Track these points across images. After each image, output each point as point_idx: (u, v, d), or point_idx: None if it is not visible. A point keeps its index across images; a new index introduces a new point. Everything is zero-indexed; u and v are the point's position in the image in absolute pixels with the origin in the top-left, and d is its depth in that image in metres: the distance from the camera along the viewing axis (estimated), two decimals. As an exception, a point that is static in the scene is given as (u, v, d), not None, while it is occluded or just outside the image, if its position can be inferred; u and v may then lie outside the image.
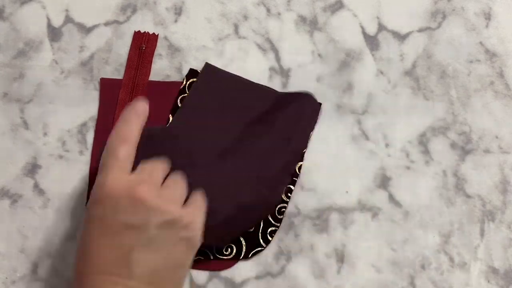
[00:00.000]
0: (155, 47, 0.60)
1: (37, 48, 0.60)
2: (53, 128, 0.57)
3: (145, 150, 0.44)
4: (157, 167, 0.42)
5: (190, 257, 0.41)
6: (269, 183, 0.52)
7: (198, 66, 0.60)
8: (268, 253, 0.53)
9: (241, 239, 0.52)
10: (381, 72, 0.60)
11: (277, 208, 0.53)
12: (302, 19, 0.63)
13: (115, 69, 0.59)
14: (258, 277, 0.52)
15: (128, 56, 0.60)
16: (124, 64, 0.60)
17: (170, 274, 0.38)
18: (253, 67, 0.60)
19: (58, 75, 0.59)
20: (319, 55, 0.61)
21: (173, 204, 0.40)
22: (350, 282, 0.51)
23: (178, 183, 0.43)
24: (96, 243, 0.37)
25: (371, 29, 0.62)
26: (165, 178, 0.43)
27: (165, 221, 0.38)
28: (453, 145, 0.57)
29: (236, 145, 0.54)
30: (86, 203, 0.53)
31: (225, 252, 0.52)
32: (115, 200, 0.38)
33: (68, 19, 0.62)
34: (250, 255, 0.52)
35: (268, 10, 0.63)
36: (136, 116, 0.43)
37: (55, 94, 0.58)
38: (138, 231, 0.37)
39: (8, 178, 0.55)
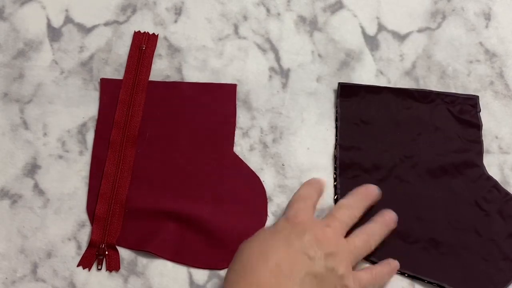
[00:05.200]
0: (155, 47, 0.60)
1: (37, 48, 0.60)
2: (53, 128, 0.57)
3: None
4: (344, 218, 0.48)
5: None
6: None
7: (198, 66, 0.60)
8: (268, 253, 0.53)
9: None
10: (381, 72, 0.60)
11: None
12: (302, 19, 0.63)
13: (115, 69, 0.59)
14: (258, 277, 0.52)
15: (128, 56, 0.60)
16: (124, 64, 0.60)
17: None
18: (253, 67, 0.60)
19: (58, 75, 0.59)
20: (319, 55, 0.61)
21: (345, 260, 0.45)
22: (350, 282, 0.51)
23: (363, 240, 0.47)
24: (276, 249, 0.43)
25: (371, 29, 0.62)
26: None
27: (331, 268, 0.43)
28: (453, 145, 0.57)
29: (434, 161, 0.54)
30: (88, 205, 0.53)
31: None
32: (303, 231, 0.45)
33: (68, 19, 0.62)
34: None
35: (268, 10, 0.63)
36: (365, 195, 0.51)
37: (55, 94, 0.58)
38: (310, 261, 0.43)
39: (8, 178, 0.55)
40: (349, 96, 0.57)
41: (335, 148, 0.56)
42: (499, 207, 0.53)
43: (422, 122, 0.56)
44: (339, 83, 0.58)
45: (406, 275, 0.51)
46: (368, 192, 0.51)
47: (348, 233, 0.48)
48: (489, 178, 0.54)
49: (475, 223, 0.52)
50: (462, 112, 0.57)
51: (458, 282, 0.50)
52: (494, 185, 0.54)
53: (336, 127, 0.57)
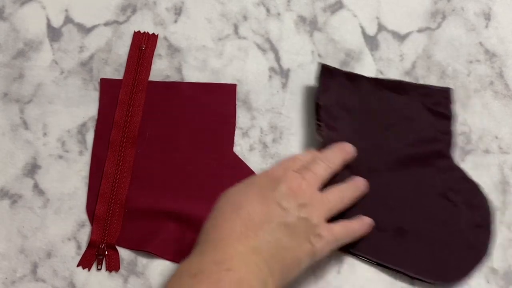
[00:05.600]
0: (155, 47, 0.60)
1: (37, 48, 0.60)
2: (53, 128, 0.57)
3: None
4: (320, 171, 0.48)
5: (306, 261, 0.45)
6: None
7: (198, 66, 0.60)
8: (268, 253, 0.53)
9: None
10: (381, 72, 0.60)
11: None
12: (302, 19, 0.63)
13: (115, 69, 0.59)
14: (258, 277, 0.52)
15: (128, 56, 0.60)
16: (124, 64, 0.60)
17: (284, 263, 0.43)
18: (253, 67, 0.60)
19: (58, 75, 0.59)
20: (319, 55, 0.61)
21: (318, 211, 0.45)
22: (350, 282, 0.51)
23: (337, 195, 0.48)
24: (250, 200, 0.44)
25: (371, 29, 0.62)
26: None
27: (304, 218, 0.44)
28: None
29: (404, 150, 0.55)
30: (87, 205, 0.54)
31: None
32: (278, 182, 0.45)
33: (68, 19, 0.62)
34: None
35: (268, 10, 0.63)
36: (342, 150, 0.52)
37: (55, 94, 0.58)
38: (283, 212, 0.43)
39: (8, 178, 0.55)
40: (328, 78, 0.57)
41: (318, 126, 0.54)
42: (466, 197, 0.53)
43: (395, 113, 0.57)
44: (320, 63, 0.57)
45: (373, 262, 0.51)
46: (344, 148, 0.52)
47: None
48: (458, 169, 0.55)
49: (442, 213, 0.53)
50: (435, 104, 0.57)
51: (424, 271, 0.50)
52: (463, 176, 0.54)
53: (317, 104, 0.55)
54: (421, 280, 0.50)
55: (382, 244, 0.51)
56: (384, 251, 0.51)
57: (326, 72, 0.57)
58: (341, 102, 0.56)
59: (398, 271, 0.51)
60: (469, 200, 0.53)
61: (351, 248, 0.51)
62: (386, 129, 0.56)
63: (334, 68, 0.57)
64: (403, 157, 0.54)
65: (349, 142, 0.54)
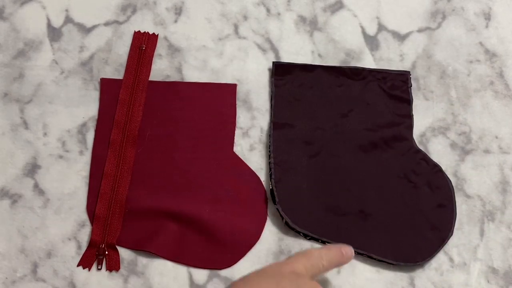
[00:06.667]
0: (155, 47, 0.60)
1: (37, 48, 0.60)
2: (53, 128, 0.57)
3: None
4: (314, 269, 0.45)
5: None
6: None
7: (198, 66, 0.60)
8: (268, 253, 0.53)
9: None
10: (381, 72, 0.60)
11: None
12: (302, 19, 0.63)
13: (115, 69, 0.59)
14: (258, 277, 0.52)
15: (128, 56, 0.60)
16: (124, 64, 0.60)
17: None
18: (253, 67, 0.60)
19: (58, 75, 0.59)
20: (319, 55, 0.61)
21: None
22: (349, 282, 0.52)
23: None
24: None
25: (371, 29, 0.62)
26: None
27: None
28: (453, 145, 0.57)
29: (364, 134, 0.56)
30: (88, 205, 0.53)
31: None
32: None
33: (68, 19, 0.62)
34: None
35: (268, 10, 0.63)
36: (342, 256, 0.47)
37: (55, 94, 0.58)
38: None
39: (8, 178, 0.55)
40: (283, 75, 0.58)
41: (269, 126, 0.56)
42: (427, 179, 0.54)
43: (354, 99, 0.57)
44: (273, 62, 0.59)
45: None
46: (345, 253, 0.47)
47: None
48: (418, 151, 0.55)
49: (404, 195, 0.53)
50: (393, 87, 0.58)
51: (387, 253, 0.51)
52: (423, 158, 0.55)
53: (271, 106, 0.57)
54: (386, 262, 0.51)
55: (345, 227, 0.52)
56: (347, 234, 0.52)
57: (280, 69, 0.58)
58: (298, 95, 0.57)
59: (362, 254, 0.51)
60: (430, 181, 0.54)
61: (314, 234, 0.52)
62: (345, 115, 0.57)
63: (288, 64, 0.58)
64: (363, 142, 0.55)
65: (308, 133, 0.55)
